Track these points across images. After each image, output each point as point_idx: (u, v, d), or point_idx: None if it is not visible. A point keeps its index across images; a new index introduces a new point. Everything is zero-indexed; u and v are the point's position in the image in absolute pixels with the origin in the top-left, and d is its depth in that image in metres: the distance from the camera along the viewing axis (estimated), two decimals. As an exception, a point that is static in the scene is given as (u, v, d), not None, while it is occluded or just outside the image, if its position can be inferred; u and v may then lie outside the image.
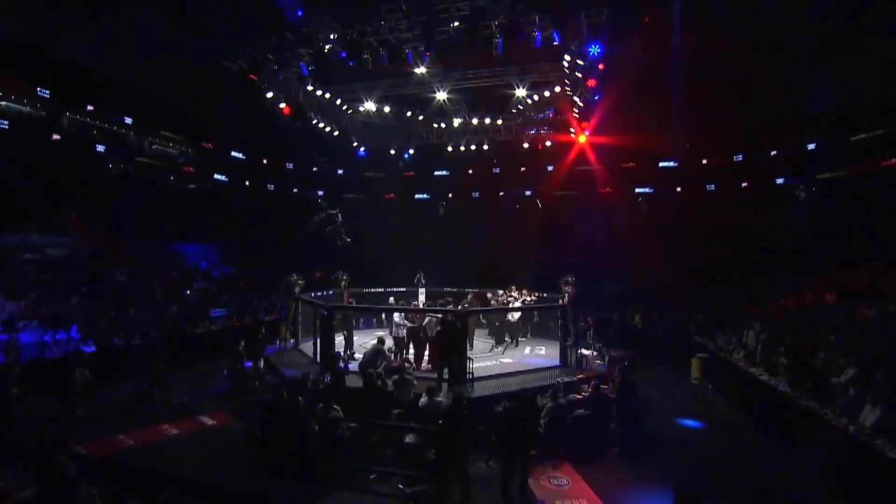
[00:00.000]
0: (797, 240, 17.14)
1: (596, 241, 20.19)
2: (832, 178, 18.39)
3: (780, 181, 20.28)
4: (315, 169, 25.28)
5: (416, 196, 25.80)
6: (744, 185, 21.22)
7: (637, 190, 23.15)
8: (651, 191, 23.08)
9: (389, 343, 10.40)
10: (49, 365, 10.30)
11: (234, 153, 24.06)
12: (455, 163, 23.26)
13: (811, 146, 19.25)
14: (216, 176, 23.31)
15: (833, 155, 18.35)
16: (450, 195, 25.58)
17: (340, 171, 25.40)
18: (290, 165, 25.02)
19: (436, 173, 25.16)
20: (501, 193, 25.14)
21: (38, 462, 4.91)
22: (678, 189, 22.57)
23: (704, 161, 22.35)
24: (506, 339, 12.97)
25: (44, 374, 9.68)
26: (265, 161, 24.74)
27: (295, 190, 25.07)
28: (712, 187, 22.10)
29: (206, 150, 23.53)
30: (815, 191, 19.15)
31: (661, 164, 22.84)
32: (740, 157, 21.52)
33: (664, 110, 17.67)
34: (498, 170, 24.52)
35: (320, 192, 24.11)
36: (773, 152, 20.58)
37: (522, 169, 24.16)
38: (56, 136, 17.62)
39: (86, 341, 11.31)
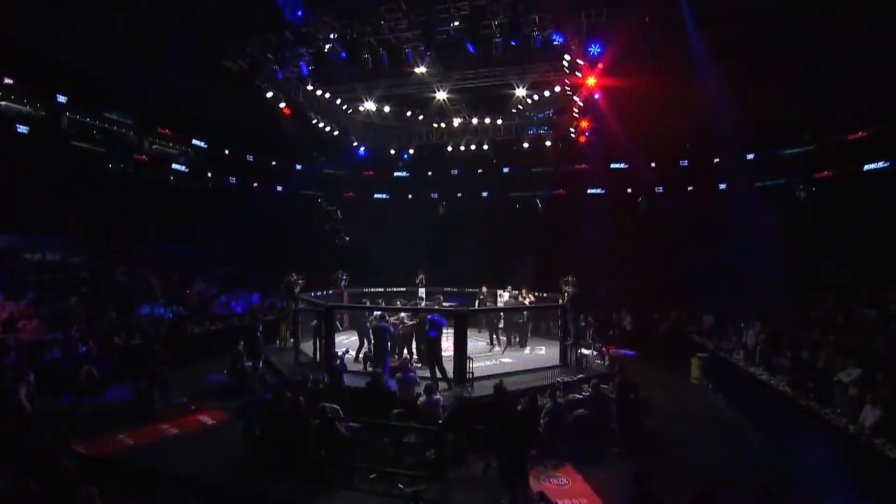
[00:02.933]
0: (796, 240, 17.12)
1: (596, 241, 20.20)
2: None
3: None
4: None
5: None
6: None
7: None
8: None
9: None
10: (53, 364, 10.32)
11: (229, 151, 23.72)
12: (456, 163, 23.27)
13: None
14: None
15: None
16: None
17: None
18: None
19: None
20: (499, 193, 25.11)
21: (38, 462, 4.90)
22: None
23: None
24: (510, 338, 13.05)
25: (47, 374, 9.67)
26: (261, 161, 24.55)
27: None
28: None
29: (205, 149, 23.44)
30: (814, 191, 19.18)
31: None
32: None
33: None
34: (496, 170, 24.43)
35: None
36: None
37: (521, 169, 24.13)
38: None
39: (85, 341, 11.29)
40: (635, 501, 4.23)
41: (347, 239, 14.00)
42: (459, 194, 25.02)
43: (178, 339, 13.15)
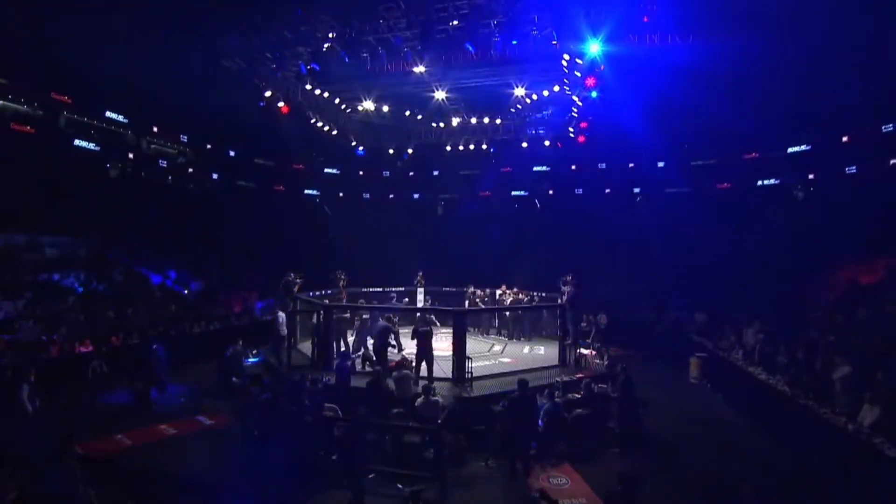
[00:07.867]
0: (796, 240, 17.14)
1: (595, 240, 20.23)
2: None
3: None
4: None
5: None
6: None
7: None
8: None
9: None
10: (52, 363, 10.28)
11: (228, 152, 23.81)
12: (452, 162, 23.26)
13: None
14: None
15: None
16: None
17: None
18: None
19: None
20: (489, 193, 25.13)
21: (40, 461, 4.87)
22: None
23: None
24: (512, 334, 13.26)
25: (46, 373, 9.62)
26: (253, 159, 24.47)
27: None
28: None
29: (203, 150, 23.39)
30: (812, 191, 19.25)
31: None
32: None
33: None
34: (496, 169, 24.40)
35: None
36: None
37: (518, 168, 24.13)
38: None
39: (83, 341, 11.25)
40: (616, 500, 4.26)
41: (331, 236, 13.92)
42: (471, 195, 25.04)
43: (177, 339, 13.11)
